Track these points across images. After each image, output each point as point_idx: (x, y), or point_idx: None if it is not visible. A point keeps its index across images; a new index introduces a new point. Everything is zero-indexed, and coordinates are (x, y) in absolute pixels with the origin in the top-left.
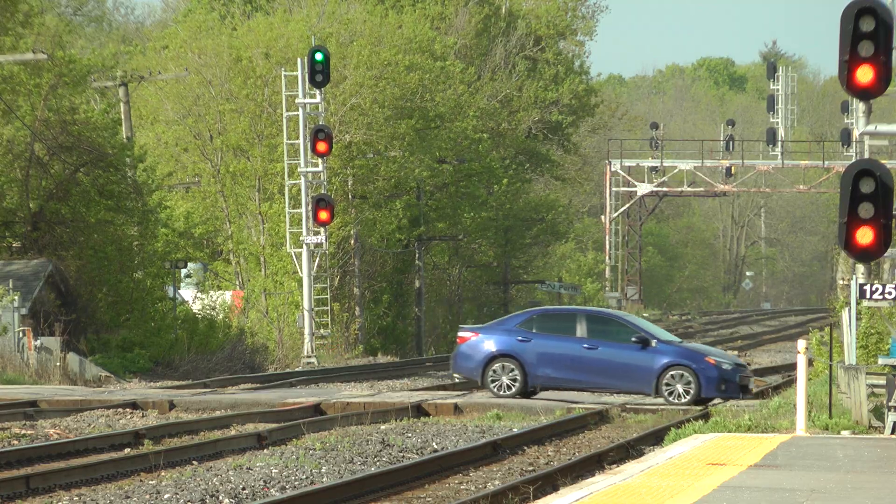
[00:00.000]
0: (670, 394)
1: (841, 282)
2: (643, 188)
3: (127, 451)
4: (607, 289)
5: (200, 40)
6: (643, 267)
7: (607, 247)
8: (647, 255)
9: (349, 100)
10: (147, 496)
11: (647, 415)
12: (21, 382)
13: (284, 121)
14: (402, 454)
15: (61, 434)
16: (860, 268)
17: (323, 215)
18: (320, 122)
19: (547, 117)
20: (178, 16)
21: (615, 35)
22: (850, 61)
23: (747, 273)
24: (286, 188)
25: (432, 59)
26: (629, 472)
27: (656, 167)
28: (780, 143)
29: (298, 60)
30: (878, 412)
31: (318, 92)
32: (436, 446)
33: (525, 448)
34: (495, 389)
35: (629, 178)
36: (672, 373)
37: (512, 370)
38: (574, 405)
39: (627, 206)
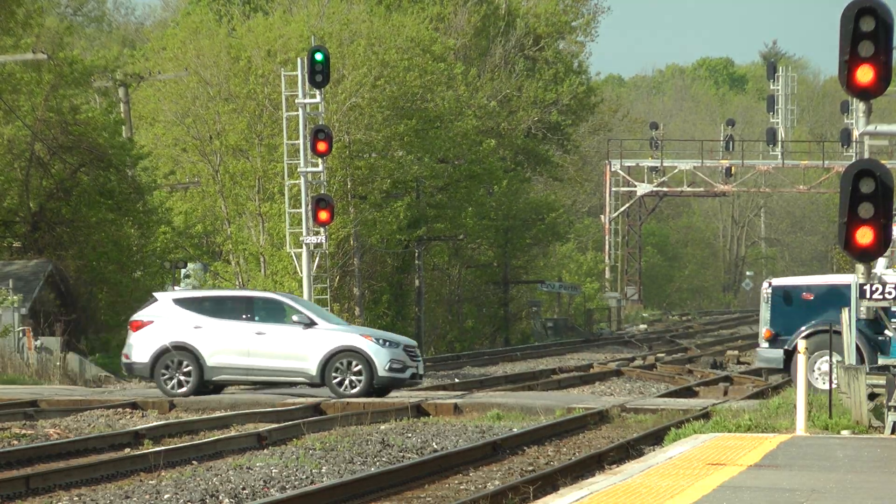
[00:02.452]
0: None
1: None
2: (643, 188)
3: (127, 451)
4: (607, 289)
5: (199, 40)
6: (643, 267)
7: (607, 247)
8: (647, 255)
9: (348, 100)
10: (147, 496)
11: (647, 415)
12: (21, 382)
13: (284, 121)
14: (401, 454)
15: (61, 434)
16: (860, 268)
17: (323, 215)
18: (320, 122)
19: (547, 117)
20: (177, 17)
21: (615, 35)
22: (850, 61)
23: (747, 273)
24: (286, 188)
25: (433, 60)
26: (629, 472)
27: (656, 167)
28: (779, 143)
29: (298, 60)
30: (878, 412)
31: (317, 92)
32: (436, 446)
33: (525, 448)
34: None
35: (629, 178)
36: None
37: None
38: (574, 405)
39: (627, 206)
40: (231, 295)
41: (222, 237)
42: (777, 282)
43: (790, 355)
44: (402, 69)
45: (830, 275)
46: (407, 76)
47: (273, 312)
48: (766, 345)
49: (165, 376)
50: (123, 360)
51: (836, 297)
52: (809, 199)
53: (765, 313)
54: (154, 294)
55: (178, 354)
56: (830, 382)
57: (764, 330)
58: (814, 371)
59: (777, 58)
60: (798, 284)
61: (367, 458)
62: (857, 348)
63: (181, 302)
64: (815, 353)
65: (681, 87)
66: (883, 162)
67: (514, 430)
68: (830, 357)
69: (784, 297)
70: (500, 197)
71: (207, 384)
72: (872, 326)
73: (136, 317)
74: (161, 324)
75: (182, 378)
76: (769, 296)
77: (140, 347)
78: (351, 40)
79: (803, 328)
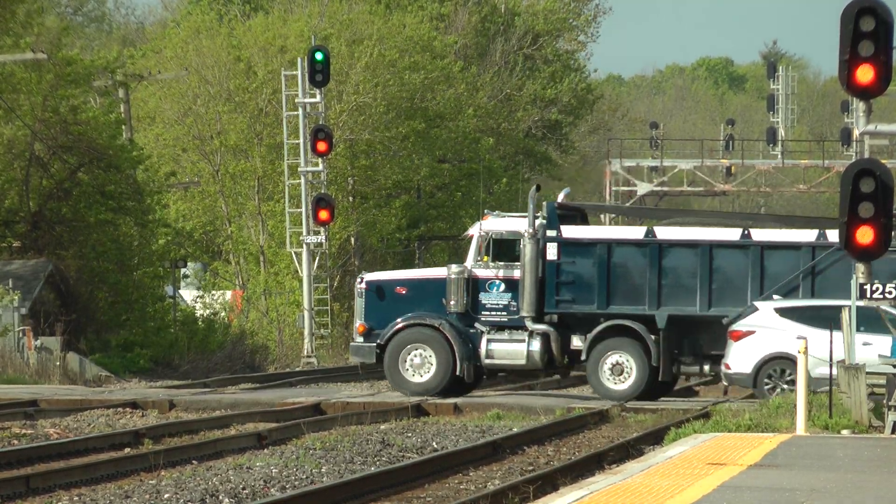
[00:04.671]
0: None
1: None
2: (643, 188)
3: (127, 450)
4: None
5: (200, 40)
6: None
7: None
8: None
9: (353, 99)
10: (147, 496)
11: (647, 414)
12: (21, 382)
13: (284, 120)
14: (402, 454)
15: (61, 434)
16: (860, 267)
17: (323, 215)
18: (320, 122)
19: (547, 116)
20: (176, 17)
21: (616, 35)
22: (850, 61)
23: None
24: (286, 188)
25: (432, 58)
26: (629, 471)
27: (656, 167)
28: (780, 143)
29: (298, 60)
30: (878, 412)
31: (318, 92)
32: (436, 446)
33: (525, 448)
34: None
35: (629, 178)
36: None
37: None
38: (574, 405)
39: (627, 205)
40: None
41: (223, 237)
42: (370, 276)
43: (383, 349)
44: (404, 68)
45: (423, 269)
46: (410, 76)
47: (875, 322)
48: (361, 339)
49: (768, 386)
50: (724, 369)
51: (428, 292)
52: (810, 199)
53: (359, 308)
54: (754, 303)
55: (780, 364)
56: (830, 382)
57: (358, 324)
58: (405, 363)
59: (777, 57)
60: (391, 279)
61: (367, 457)
62: (448, 342)
63: (783, 311)
64: (407, 347)
65: (681, 86)
66: (883, 162)
67: (514, 429)
68: (831, 358)
69: (377, 292)
70: (499, 196)
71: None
72: (463, 320)
73: (736, 326)
74: (762, 334)
75: (787, 388)
76: (363, 290)
77: (741, 357)
78: (353, 40)
79: (399, 321)
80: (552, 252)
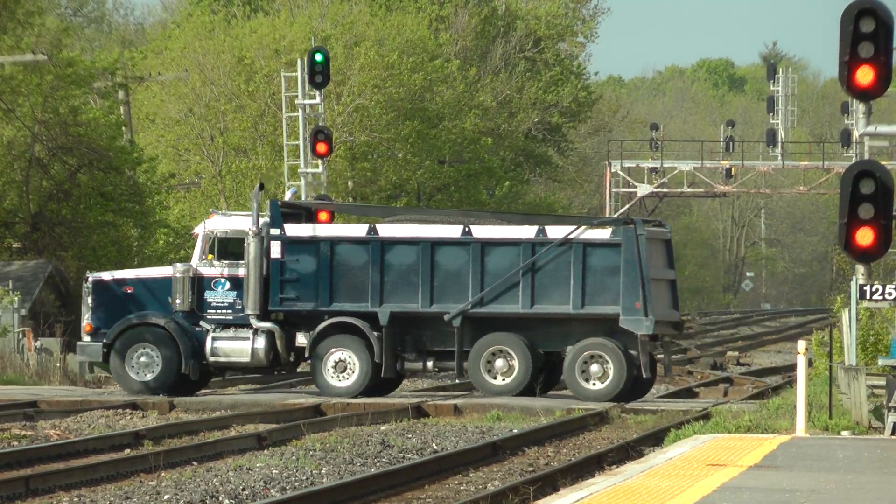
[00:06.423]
0: None
1: None
2: (643, 189)
3: (127, 451)
4: None
5: (202, 41)
6: None
7: None
8: None
9: (353, 101)
10: (147, 497)
11: (647, 415)
12: (21, 383)
13: (284, 122)
14: (402, 455)
15: (61, 435)
16: (860, 268)
17: (323, 216)
18: (320, 123)
19: (547, 119)
20: (177, 18)
21: (615, 36)
22: (850, 62)
23: (747, 273)
24: (286, 189)
25: (429, 57)
26: (629, 472)
27: (656, 168)
28: (779, 144)
29: (298, 61)
30: (878, 413)
31: (317, 93)
32: (436, 447)
33: (525, 449)
34: None
35: (629, 179)
36: None
37: None
38: (574, 406)
39: (627, 206)
40: None
41: None
42: (97, 275)
43: (110, 348)
44: (405, 70)
45: (150, 268)
46: (411, 77)
47: None
48: (88, 338)
49: None
50: None
51: (155, 291)
52: (810, 200)
53: (86, 307)
54: None
55: None
56: (830, 383)
57: (85, 323)
58: (132, 363)
59: (777, 59)
60: (118, 278)
61: (367, 458)
62: (174, 341)
63: None
64: (133, 346)
65: (681, 88)
66: (883, 163)
67: (514, 430)
68: (831, 359)
69: (104, 291)
70: (500, 198)
71: None
72: (189, 318)
73: None
74: None
75: None
76: (89, 289)
77: None
78: (354, 42)
79: (125, 320)
80: (276, 250)
